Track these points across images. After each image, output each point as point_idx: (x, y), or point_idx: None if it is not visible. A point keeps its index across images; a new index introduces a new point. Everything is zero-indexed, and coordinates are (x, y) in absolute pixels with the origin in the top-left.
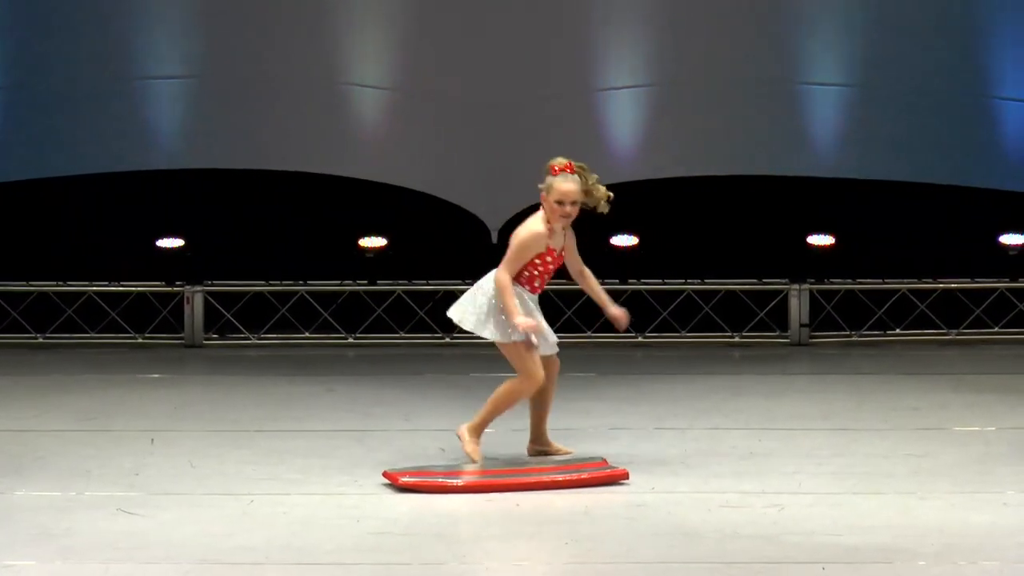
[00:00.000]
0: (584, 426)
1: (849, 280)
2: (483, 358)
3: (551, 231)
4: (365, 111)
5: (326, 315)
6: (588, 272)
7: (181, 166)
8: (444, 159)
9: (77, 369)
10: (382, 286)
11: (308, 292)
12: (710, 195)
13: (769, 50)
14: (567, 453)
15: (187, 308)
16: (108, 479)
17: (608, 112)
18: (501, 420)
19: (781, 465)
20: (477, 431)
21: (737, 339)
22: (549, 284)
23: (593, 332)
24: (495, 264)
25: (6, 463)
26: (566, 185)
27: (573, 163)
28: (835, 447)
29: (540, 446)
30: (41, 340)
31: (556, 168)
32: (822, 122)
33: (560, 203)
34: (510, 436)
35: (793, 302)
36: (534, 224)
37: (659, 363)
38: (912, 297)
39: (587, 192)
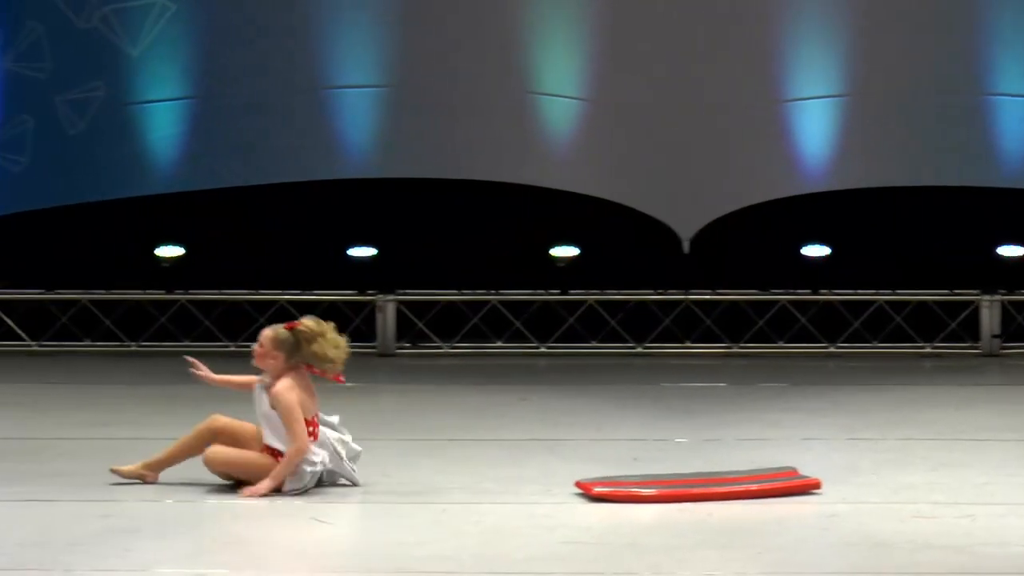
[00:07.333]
0: (776, 436)
1: None
2: (674, 368)
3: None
4: (555, 121)
5: (518, 324)
6: None
7: (373, 175)
8: (635, 169)
9: None
10: (574, 295)
11: (500, 301)
12: (900, 206)
13: (959, 60)
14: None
15: (379, 317)
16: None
17: (797, 122)
18: (689, 431)
19: (973, 476)
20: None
21: (928, 350)
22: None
23: (785, 342)
24: (685, 274)
25: (199, 472)
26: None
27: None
28: None
29: (146, 470)
30: (232, 349)
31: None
32: (1014, 132)
33: None
34: (703, 446)
35: (984, 313)
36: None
37: (851, 373)
38: None
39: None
